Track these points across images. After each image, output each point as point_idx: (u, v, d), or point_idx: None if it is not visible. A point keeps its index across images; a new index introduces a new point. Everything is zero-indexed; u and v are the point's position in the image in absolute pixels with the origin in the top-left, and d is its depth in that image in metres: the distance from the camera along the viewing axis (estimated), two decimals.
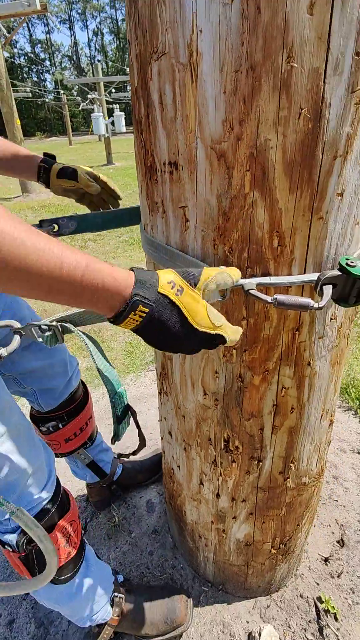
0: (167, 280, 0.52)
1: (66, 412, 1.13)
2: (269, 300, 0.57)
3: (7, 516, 0.76)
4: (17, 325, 0.62)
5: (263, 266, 0.62)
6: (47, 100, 31.49)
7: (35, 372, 1.04)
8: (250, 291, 0.59)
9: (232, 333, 0.57)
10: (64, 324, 0.62)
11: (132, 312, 0.49)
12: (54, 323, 0.62)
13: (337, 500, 1.53)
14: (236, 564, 1.08)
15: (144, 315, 0.50)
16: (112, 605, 1.01)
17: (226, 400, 0.79)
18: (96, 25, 72.16)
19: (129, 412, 0.72)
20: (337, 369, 0.81)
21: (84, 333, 0.62)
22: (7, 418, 0.72)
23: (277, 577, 1.13)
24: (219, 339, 0.55)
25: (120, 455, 1.33)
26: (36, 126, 53.27)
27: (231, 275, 0.56)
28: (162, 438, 1.11)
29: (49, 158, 1.03)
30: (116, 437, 0.71)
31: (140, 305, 0.49)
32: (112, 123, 12.84)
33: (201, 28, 0.50)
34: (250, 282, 0.59)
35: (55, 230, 0.99)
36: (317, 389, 0.78)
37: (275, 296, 0.57)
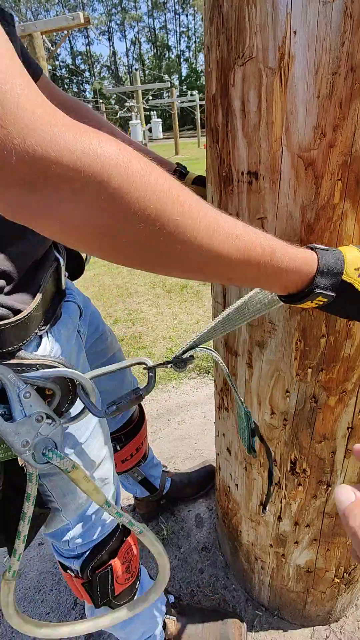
0: (355, 266, 0.47)
1: (124, 433, 1.12)
2: None
3: (72, 540, 0.74)
4: (150, 363, 0.56)
5: None
6: None
7: (107, 392, 1.00)
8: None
9: None
10: (195, 350, 0.57)
11: (309, 302, 0.47)
12: (187, 355, 0.56)
13: None
14: (295, 590, 1.02)
15: (321, 303, 0.47)
16: (164, 628, 0.99)
17: (296, 420, 0.74)
18: (134, 35, 73.81)
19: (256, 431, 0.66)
20: None
21: (209, 349, 0.58)
22: (107, 438, 0.71)
23: (337, 606, 1.06)
24: None
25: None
26: None
27: None
28: (217, 454, 1.07)
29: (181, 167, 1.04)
30: (252, 451, 0.64)
31: (320, 297, 0.46)
32: (150, 130, 13.04)
33: (295, 29, 0.47)
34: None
35: None
36: None
37: None
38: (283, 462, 0.81)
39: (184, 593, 1.20)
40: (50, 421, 0.51)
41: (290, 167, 0.54)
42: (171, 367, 0.55)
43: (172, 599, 1.08)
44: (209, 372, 2.52)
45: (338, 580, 0.98)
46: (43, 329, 0.57)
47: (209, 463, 1.52)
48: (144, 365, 0.56)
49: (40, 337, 0.57)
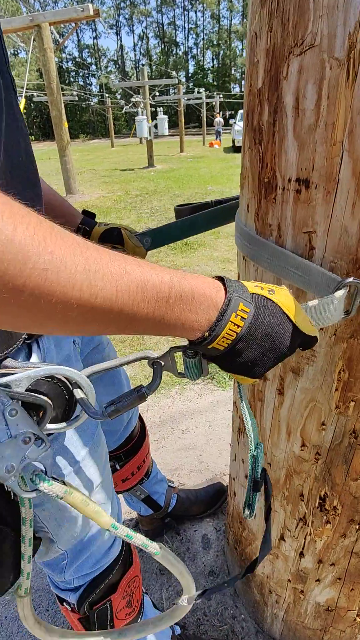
0: (253, 285, 0.45)
1: (124, 452, 1.04)
2: None
3: (69, 575, 0.68)
4: (154, 354, 0.49)
5: None
6: (92, 103, 32.27)
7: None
8: None
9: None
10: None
11: (234, 313, 0.41)
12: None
13: None
14: (311, 627, 0.95)
15: (245, 315, 0.41)
16: None
17: (331, 455, 0.67)
18: (142, 30, 73.38)
19: (266, 480, 0.56)
20: None
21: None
22: (104, 465, 0.64)
23: None
24: (313, 343, 0.48)
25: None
26: (80, 128, 54.77)
27: None
28: (233, 478, 1.00)
29: (89, 217, 0.92)
30: (251, 510, 0.55)
31: (241, 304, 0.41)
32: (155, 126, 12.91)
33: None
34: None
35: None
36: None
37: None
38: (311, 498, 0.74)
39: (189, 622, 1.13)
40: (39, 442, 0.43)
41: (350, 176, 0.47)
42: (181, 359, 0.48)
43: (178, 630, 1.01)
44: (213, 377, 2.45)
45: None
46: (32, 336, 0.50)
47: (217, 480, 1.45)
48: (147, 359, 0.48)
49: (30, 345, 0.51)
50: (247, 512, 0.54)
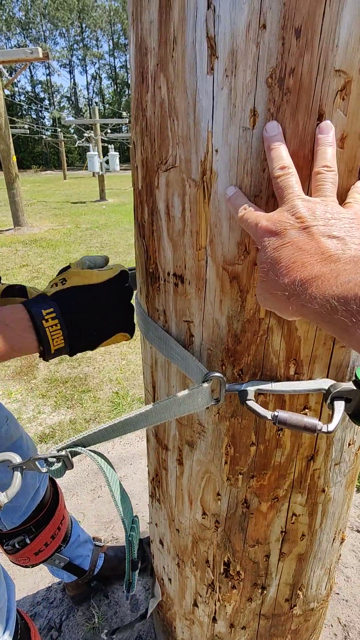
0: (51, 284, 0.56)
1: (34, 523, 0.99)
2: (269, 417, 0.49)
3: None
4: (17, 459, 0.49)
5: (278, 394, 0.55)
6: (44, 136, 32.46)
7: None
8: (248, 402, 0.51)
9: (121, 266, 0.64)
10: (74, 449, 0.51)
11: (43, 320, 0.50)
12: (64, 452, 0.50)
13: (338, 594, 1.40)
14: None
15: (54, 314, 0.51)
16: None
17: (228, 523, 0.69)
18: (95, 71, 75.96)
19: (145, 553, 0.58)
20: (351, 489, 0.72)
21: (96, 453, 0.52)
22: None
23: None
24: (124, 275, 0.61)
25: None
26: (32, 159, 54.60)
27: (103, 256, 0.68)
28: (151, 541, 0.99)
29: None
30: (130, 588, 0.56)
31: (43, 310, 0.50)
32: (107, 162, 13.20)
33: (217, 148, 0.45)
34: (249, 389, 0.52)
35: None
36: (330, 514, 0.69)
37: (276, 412, 0.49)
38: (216, 564, 0.75)
39: None
40: None
41: (215, 277, 0.51)
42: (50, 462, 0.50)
43: None
44: None
45: None
46: None
47: (147, 534, 1.42)
48: (9, 464, 0.49)
49: None
50: (127, 592, 0.55)
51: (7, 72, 8.46)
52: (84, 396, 2.76)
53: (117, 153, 13.39)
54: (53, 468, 0.49)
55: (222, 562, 0.74)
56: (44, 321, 0.50)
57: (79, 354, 3.25)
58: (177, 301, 0.57)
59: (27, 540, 0.99)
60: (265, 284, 0.40)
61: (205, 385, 0.50)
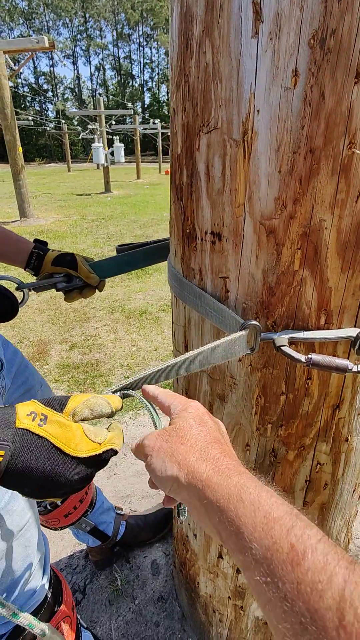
0: (26, 412, 0.43)
1: None
2: (302, 360, 0.53)
3: None
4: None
5: (309, 343, 0.59)
6: (48, 128, 32.35)
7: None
8: (282, 347, 0.55)
9: (118, 438, 0.49)
10: (126, 392, 0.55)
11: None
12: (118, 394, 0.54)
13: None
14: None
15: (0, 459, 0.40)
16: None
17: (256, 473, 0.74)
18: (99, 61, 75.35)
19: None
20: None
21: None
22: (32, 503, 0.66)
23: None
24: (109, 454, 0.48)
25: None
26: (36, 152, 54.44)
27: (110, 402, 0.49)
28: None
29: (41, 244, 0.94)
30: (180, 511, 0.58)
31: None
32: (112, 153, 13.17)
33: (259, 108, 0.49)
34: (282, 338, 0.56)
35: (68, 281, 0.95)
36: (352, 465, 0.74)
37: (309, 355, 0.53)
38: None
39: None
40: None
41: (252, 233, 0.55)
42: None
43: None
44: None
45: None
46: None
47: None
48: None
49: None
50: (181, 517, 0.59)
51: (12, 62, 8.45)
52: (96, 381, 2.81)
53: (122, 145, 13.36)
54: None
55: None
56: None
57: (89, 340, 3.30)
58: (213, 259, 0.62)
59: (58, 503, 1.05)
60: None
61: (243, 332, 0.55)
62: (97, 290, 0.98)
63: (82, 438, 0.45)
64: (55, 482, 0.43)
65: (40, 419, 0.43)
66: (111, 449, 0.47)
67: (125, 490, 1.80)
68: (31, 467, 0.41)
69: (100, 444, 0.46)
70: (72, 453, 0.43)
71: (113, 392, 0.54)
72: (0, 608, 0.51)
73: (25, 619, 0.54)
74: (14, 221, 8.25)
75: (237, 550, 0.32)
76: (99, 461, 0.47)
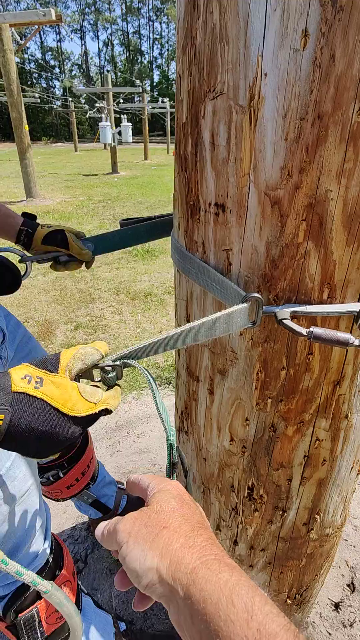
0: (21, 375, 0.44)
1: (66, 459, 1.07)
2: (304, 333, 0.53)
3: None
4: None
5: (311, 318, 0.59)
6: (54, 106, 31.77)
7: None
8: (284, 321, 0.55)
9: (114, 399, 0.50)
10: (126, 361, 0.55)
11: None
12: (119, 362, 0.54)
13: (347, 540, 1.48)
14: None
15: (0, 422, 0.41)
16: None
17: (255, 448, 0.75)
18: (107, 37, 73.34)
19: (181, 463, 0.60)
20: None
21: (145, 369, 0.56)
22: (34, 470, 0.67)
23: None
24: (104, 413, 0.49)
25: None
26: (43, 131, 53.65)
27: (97, 348, 0.50)
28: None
29: (30, 219, 0.92)
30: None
31: None
32: (119, 133, 12.95)
33: (266, 72, 0.47)
34: (284, 311, 0.56)
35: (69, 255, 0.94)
36: (351, 441, 0.74)
37: (311, 329, 0.53)
38: (240, 489, 0.81)
39: (137, 616, 1.17)
40: None
41: (257, 204, 0.54)
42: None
43: (123, 626, 1.05)
44: (170, 382, 2.51)
45: (290, 602, 0.99)
46: None
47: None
48: None
49: None
50: None
51: (18, 36, 8.25)
52: (100, 362, 2.84)
53: (130, 124, 13.11)
54: (109, 376, 0.54)
55: (247, 487, 0.80)
56: None
57: (94, 321, 3.32)
58: (216, 231, 0.61)
59: (60, 474, 1.07)
60: None
61: (244, 305, 0.54)
62: (85, 265, 0.97)
63: (78, 399, 0.45)
64: (55, 441, 0.44)
65: (36, 382, 0.44)
66: (105, 409, 0.48)
67: (127, 467, 1.84)
68: (31, 428, 0.42)
69: (95, 403, 0.46)
70: (70, 413, 0.44)
71: (113, 361, 0.54)
72: (4, 565, 0.53)
73: (29, 577, 0.56)
74: (20, 201, 8.20)
75: None
76: (94, 419, 0.48)
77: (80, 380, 0.54)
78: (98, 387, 0.52)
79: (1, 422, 0.41)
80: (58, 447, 0.45)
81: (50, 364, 0.47)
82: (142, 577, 0.33)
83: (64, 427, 0.44)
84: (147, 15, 72.08)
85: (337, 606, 1.24)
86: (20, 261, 0.89)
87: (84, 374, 0.54)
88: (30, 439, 0.43)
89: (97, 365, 0.53)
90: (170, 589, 0.31)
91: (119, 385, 0.55)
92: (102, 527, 0.40)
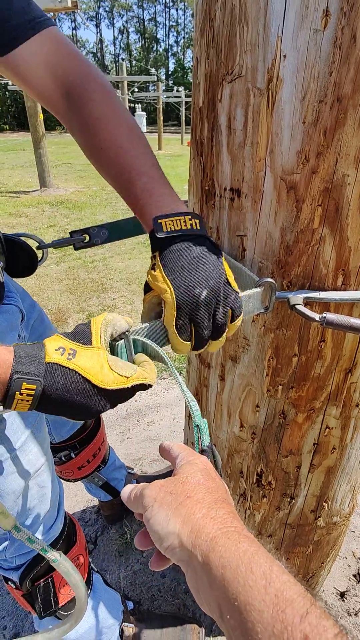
0: (55, 347, 0.45)
1: (78, 441, 1.09)
2: (317, 319, 0.53)
3: (10, 554, 0.72)
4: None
5: (324, 304, 0.58)
6: None
7: None
8: (297, 306, 0.55)
9: (150, 373, 0.50)
10: (147, 341, 0.54)
11: (17, 392, 0.42)
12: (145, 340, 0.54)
13: (354, 532, 1.48)
14: None
15: (32, 392, 0.42)
16: (121, 636, 0.98)
17: (264, 435, 0.75)
18: (122, 24, 72.53)
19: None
20: None
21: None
22: (47, 448, 0.69)
23: None
24: (138, 389, 0.49)
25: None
26: (57, 120, 53.51)
27: (122, 317, 0.50)
28: None
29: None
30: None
31: (24, 383, 0.42)
32: None
33: (285, 53, 0.47)
34: (297, 297, 0.56)
35: (86, 240, 0.95)
36: None
37: (324, 314, 0.53)
38: (249, 475, 0.82)
39: (144, 598, 1.20)
40: None
41: (272, 189, 0.54)
42: None
43: (131, 605, 1.07)
44: (180, 372, 2.53)
45: None
46: None
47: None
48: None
49: None
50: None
51: None
52: None
53: (144, 113, 13.01)
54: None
55: (256, 473, 0.81)
56: (18, 393, 0.42)
57: (106, 311, 3.34)
58: (231, 216, 0.61)
59: (72, 455, 1.10)
60: None
61: (258, 289, 0.54)
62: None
63: (108, 372, 0.46)
64: (86, 410, 0.45)
65: (69, 354, 0.45)
66: (141, 384, 0.48)
67: (137, 454, 1.86)
68: (63, 398, 0.44)
69: (127, 377, 0.47)
70: (101, 385, 0.45)
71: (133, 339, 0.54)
72: (16, 532, 0.55)
73: (40, 544, 0.58)
74: (34, 190, 8.24)
75: (237, 629, 0.28)
76: (127, 394, 0.48)
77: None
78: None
79: (33, 392, 0.42)
80: (89, 416, 0.47)
81: (82, 337, 0.48)
82: (164, 539, 0.34)
83: (95, 399, 0.45)
84: (164, 1, 71.00)
85: (342, 595, 1.25)
86: (37, 248, 0.91)
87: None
88: (62, 407, 0.45)
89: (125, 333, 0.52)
90: (190, 554, 0.33)
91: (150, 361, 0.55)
92: (128, 490, 0.42)
